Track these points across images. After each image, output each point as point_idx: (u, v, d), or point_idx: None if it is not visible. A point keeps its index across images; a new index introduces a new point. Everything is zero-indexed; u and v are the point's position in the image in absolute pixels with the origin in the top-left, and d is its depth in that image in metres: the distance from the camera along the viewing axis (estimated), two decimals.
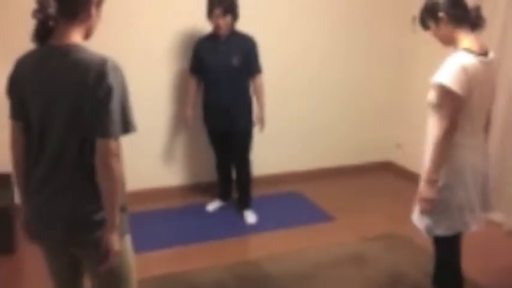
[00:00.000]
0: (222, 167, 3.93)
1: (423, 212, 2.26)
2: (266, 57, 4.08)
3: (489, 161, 2.39)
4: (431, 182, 2.19)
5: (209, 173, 4.10)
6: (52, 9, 1.55)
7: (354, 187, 4.58)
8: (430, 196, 2.20)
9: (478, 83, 2.13)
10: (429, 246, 2.48)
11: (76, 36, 1.62)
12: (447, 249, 2.40)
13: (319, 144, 4.66)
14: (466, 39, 2.17)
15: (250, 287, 2.92)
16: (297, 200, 4.26)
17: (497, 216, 3.84)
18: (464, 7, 2.19)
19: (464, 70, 2.07)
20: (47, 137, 1.63)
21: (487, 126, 2.38)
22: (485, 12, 2.27)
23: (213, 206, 3.96)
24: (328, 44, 4.46)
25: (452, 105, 2.10)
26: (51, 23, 1.58)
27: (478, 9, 2.20)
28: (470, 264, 3.14)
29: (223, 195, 4.01)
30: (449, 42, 2.23)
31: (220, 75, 3.54)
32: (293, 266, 3.15)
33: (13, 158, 1.75)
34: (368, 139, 4.88)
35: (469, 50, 2.13)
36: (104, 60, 1.56)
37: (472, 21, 2.19)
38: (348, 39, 4.53)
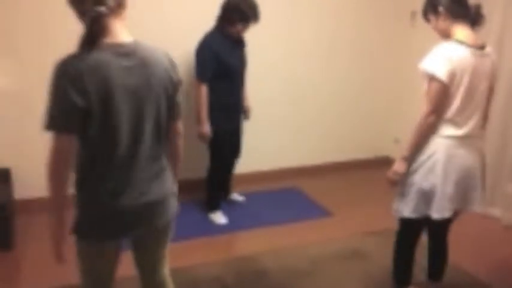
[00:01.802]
0: (220, 173, 3.73)
1: (389, 183, 2.41)
2: (265, 53, 4.09)
3: (482, 157, 2.38)
4: (404, 158, 2.33)
5: (206, 169, 4.10)
6: (111, 2, 1.53)
7: (352, 182, 4.58)
8: (398, 170, 2.35)
9: (466, 74, 2.18)
10: (425, 240, 2.49)
11: (125, 30, 1.61)
12: (406, 232, 2.51)
13: (317, 140, 4.67)
14: (461, 33, 2.23)
15: (249, 282, 2.92)
16: (295, 196, 4.26)
17: (495, 211, 3.87)
18: (463, 3, 2.25)
19: (448, 59, 2.14)
20: (138, 139, 1.64)
21: (483, 123, 2.38)
22: (485, 9, 2.31)
23: (223, 218, 3.71)
24: (325, 40, 4.45)
25: (435, 90, 2.18)
26: (104, 19, 1.52)
27: (478, 7, 2.25)
28: (468, 258, 3.16)
29: (220, 204, 3.82)
30: (447, 35, 2.29)
31: (239, 76, 3.53)
32: (292, 262, 3.15)
33: (63, 177, 1.60)
34: (366, 134, 4.89)
35: (459, 41, 2.19)
36: (166, 53, 1.73)
37: (472, 17, 2.24)
38: (345, 35, 4.52)
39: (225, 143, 3.61)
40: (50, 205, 1.63)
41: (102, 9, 1.49)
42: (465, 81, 2.18)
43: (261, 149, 4.37)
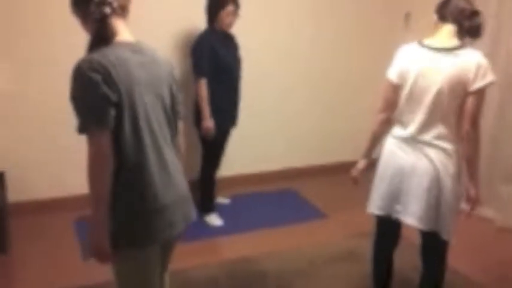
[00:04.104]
0: (214, 173, 3.71)
1: (351, 179, 2.57)
2: (258, 56, 4.09)
3: (435, 171, 2.19)
4: (362, 155, 2.52)
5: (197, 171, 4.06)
6: (115, 4, 1.56)
7: (347, 184, 4.57)
8: (357, 165, 2.53)
9: (414, 75, 2.18)
10: (417, 241, 2.49)
11: (129, 32, 1.66)
12: (375, 230, 2.58)
13: (311, 142, 4.67)
14: (438, 33, 2.22)
15: (244, 284, 2.93)
16: (290, 198, 4.26)
17: (488, 212, 3.88)
18: (452, 8, 2.19)
19: (400, 59, 2.26)
20: (160, 132, 1.68)
21: (466, 135, 2.16)
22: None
23: (218, 220, 3.71)
24: (320, 42, 4.47)
25: (385, 88, 2.30)
26: (110, 20, 1.56)
27: (473, 13, 2.16)
28: (462, 259, 3.18)
29: (215, 206, 3.81)
30: None
31: (235, 71, 3.54)
32: (287, 263, 3.16)
33: (107, 181, 1.52)
34: (361, 136, 4.87)
35: (420, 43, 2.23)
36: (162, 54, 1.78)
37: (458, 21, 2.18)
38: (341, 36, 4.53)
39: (222, 142, 3.64)
40: (94, 210, 1.55)
41: (107, 9, 1.53)
42: (411, 79, 2.19)
43: (256, 151, 4.37)
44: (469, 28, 2.16)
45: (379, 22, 4.62)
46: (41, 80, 3.49)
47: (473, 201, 2.25)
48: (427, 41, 2.23)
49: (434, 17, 2.27)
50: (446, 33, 2.19)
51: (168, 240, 1.76)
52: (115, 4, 1.56)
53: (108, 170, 1.52)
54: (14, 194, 3.49)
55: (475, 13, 2.16)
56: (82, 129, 1.51)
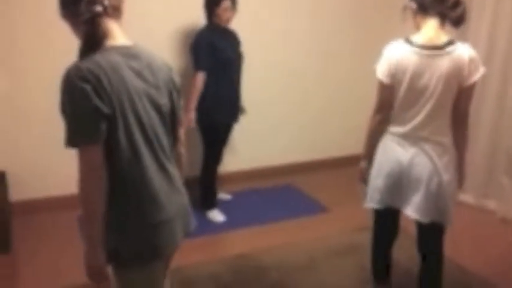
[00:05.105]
0: (216, 169, 3.71)
1: (358, 179, 2.53)
2: (263, 50, 4.09)
3: (434, 166, 2.20)
4: (362, 156, 2.49)
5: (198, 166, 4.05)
6: (106, 3, 1.45)
7: (347, 178, 4.55)
8: (360, 166, 2.50)
9: (407, 74, 2.13)
10: (413, 231, 2.50)
11: (124, 34, 1.55)
12: (374, 222, 2.58)
13: (312, 136, 4.68)
14: (424, 29, 2.16)
15: (247, 279, 2.94)
16: (291, 193, 4.27)
17: (490, 203, 3.89)
18: None
19: (388, 58, 2.19)
20: (157, 141, 1.57)
21: (457, 125, 2.23)
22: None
23: (220, 215, 3.71)
24: (324, 38, 4.47)
25: (378, 89, 2.28)
26: (101, 20, 1.45)
27: (456, 3, 2.11)
28: (464, 251, 3.18)
29: (217, 201, 3.81)
30: (419, 30, 2.22)
31: (236, 66, 3.55)
32: (289, 258, 3.17)
33: (100, 198, 1.42)
34: (361, 129, 4.88)
35: (406, 40, 2.17)
36: (162, 58, 1.66)
37: (442, 13, 2.12)
38: (343, 32, 4.54)
39: (224, 137, 3.66)
40: (87, 228, 1.46)
41: (98, 8, 1.42)
42: (406, 80, 2.15)
43: (256, 147, 4.38)
44: (455, 19, 2.11)
45: (377, 14, 4.61)
46: (41, 82, 3.49)
47: (462, 179, 2.38)
48: (416, 38, 2.16)
49: (413, 5, 2.20)
50: (433, 29, 2.13)
51: (171, 251, 1.71)
52: (106, 3, 1.45)
53: (101, 186, 1.42)
54: (16, 193, 3.51)
55: (457, 3, 2.11)
56: (71, 144, 1.40)
